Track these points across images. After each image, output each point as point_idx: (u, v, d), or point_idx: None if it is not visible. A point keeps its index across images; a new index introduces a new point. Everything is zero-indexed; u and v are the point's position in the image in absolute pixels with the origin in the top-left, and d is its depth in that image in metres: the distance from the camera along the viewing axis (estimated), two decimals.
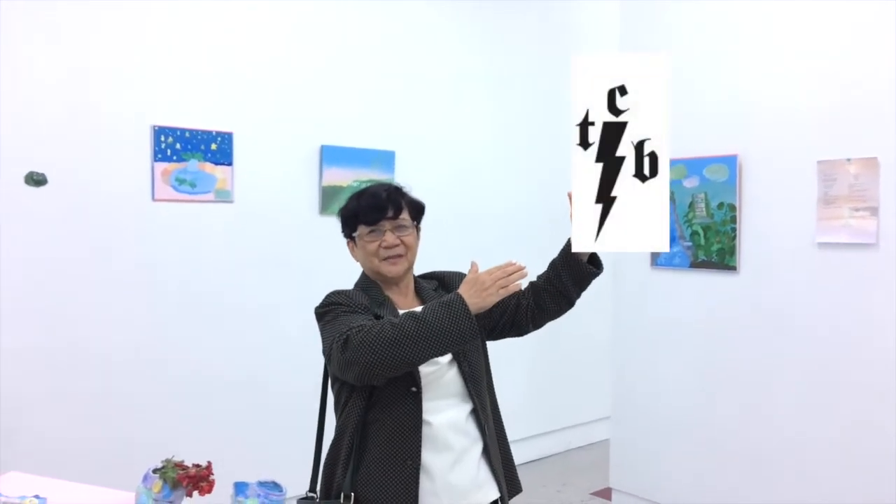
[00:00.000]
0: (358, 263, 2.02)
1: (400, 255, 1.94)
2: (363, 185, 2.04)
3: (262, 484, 1.47)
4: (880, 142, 2.95)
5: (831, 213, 3.10)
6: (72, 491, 1.61)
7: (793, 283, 3.24)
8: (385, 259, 1.93)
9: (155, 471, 1.50)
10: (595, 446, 4.93)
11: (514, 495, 2.05)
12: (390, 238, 1.92)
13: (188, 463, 1.52)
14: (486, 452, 1.93)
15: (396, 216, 1.93)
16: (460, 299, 1.70)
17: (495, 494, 1.94)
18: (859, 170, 3.01)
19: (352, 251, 2.01)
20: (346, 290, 1.93)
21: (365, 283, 1.99)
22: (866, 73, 3.00)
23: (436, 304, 1.73)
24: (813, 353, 3.18)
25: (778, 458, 3.30)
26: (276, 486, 1.49)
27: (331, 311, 1.86)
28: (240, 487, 1.47)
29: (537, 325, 2.02)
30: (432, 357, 1.75)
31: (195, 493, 1.51)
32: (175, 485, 1.49)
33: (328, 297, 1.91)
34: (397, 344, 1.67)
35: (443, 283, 2.08)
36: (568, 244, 1.90)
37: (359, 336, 1.70)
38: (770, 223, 3.31)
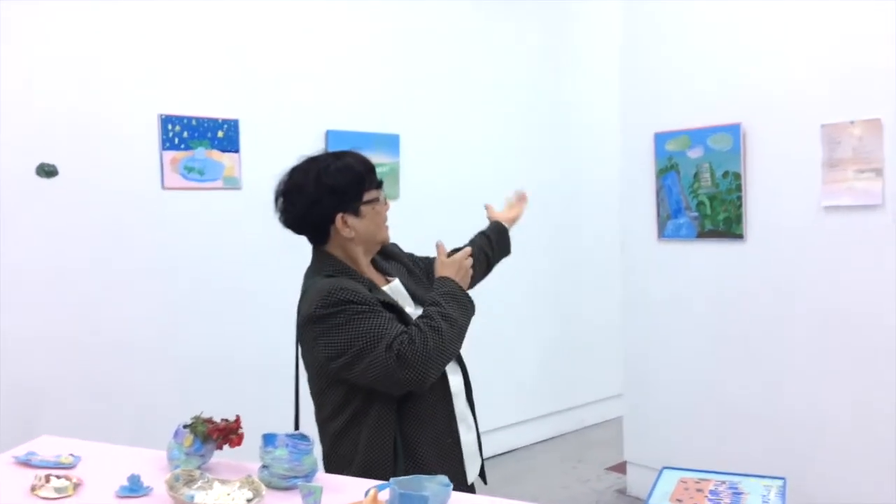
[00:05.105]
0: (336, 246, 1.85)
1: None
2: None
3: (289, 436, 1.50)
4: (883, 103, 2.97)
5: (836, 176, 3.12)
6: (104, 451, 1.63)
7: (800, 248, 3.25)
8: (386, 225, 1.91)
9: (185, 426, 1.53)
10: (610, 423, 4.92)
11: None
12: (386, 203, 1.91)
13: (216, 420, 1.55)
14: (474, 415, 1.99)
15: None
16: (462, 290, 1.79)
17: (480, 458, 2.00)
18: (863, 132, 3.03)
19: (342, 227, 1.80)
20: (346, 286, 1.72)
21: (340, 268, 1.81)
22: (867, 35, 3.02)
23: (448, 299, 1.74)
24: (822, 317, 3.20)
25: (791, 425, 3.32)
26: (303, 437, 1.51)
27: (341, 311, 1.68)
28: (268, 439, 1.50)
29: None
30: None
31: (225, 445, 1.53)
32: (205, 438, 1.52)
33: (334, 295, 1.70)
34: (447, 350, 1.71)
35: (384, 253, 2.00)
36: (497, 224, 2.29)
37: (412, 350, 1.63)
38: (775, 190, 3.33)
